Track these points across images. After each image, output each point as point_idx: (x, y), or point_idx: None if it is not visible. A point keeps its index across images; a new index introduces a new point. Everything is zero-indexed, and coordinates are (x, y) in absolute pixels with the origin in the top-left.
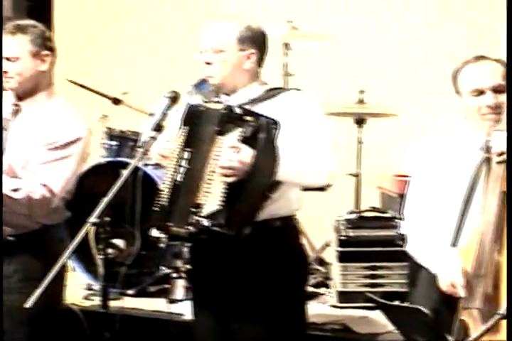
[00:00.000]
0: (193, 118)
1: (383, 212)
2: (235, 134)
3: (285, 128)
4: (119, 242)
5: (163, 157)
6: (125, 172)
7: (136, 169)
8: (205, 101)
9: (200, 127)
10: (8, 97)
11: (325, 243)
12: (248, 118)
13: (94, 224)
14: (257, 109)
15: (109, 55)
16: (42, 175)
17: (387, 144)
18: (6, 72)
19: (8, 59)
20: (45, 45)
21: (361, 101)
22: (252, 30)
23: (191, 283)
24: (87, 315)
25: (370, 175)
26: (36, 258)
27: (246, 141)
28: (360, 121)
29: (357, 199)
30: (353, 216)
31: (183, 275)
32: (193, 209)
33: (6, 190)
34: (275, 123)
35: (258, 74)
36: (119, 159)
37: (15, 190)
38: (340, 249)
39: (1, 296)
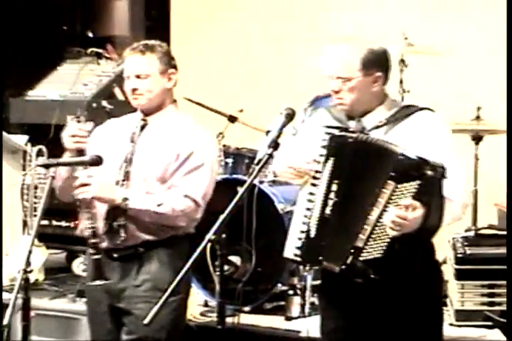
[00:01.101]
0: (341, 149)
1: (501, 230)
2: (411, 187)
3: (419, 151)
4: (235, 259)
5: (297, 176)
6: (241, 190)
7: (253, 186)
8: (343, 129)
9: (349, 159)
10: (136, 114)
11: (442, 260)
12: (429, 172)
13: (211, 241)
14: (392, 131)
15: (224, 73)
16: (183, 186)
17: (504, 161)
18: (136, 89)
19: (138, 76)
20: (170, 63)
21: (478, 118)
22: (374, 52)
23: (321, 297)
24: (203, 331)
25: (487, 192)
26: (164, 269)
27: (420, 196)
28: (477, 138)
29: (474, 216)
30: (471, 233)
31: (299, 292)
32: (352, 251)
33: (151, 206)
34: (443, 169)
35: (385, 92)
36: (235, 176)
37: (159, 205)
38: (457, 266)
39: (0, 296)
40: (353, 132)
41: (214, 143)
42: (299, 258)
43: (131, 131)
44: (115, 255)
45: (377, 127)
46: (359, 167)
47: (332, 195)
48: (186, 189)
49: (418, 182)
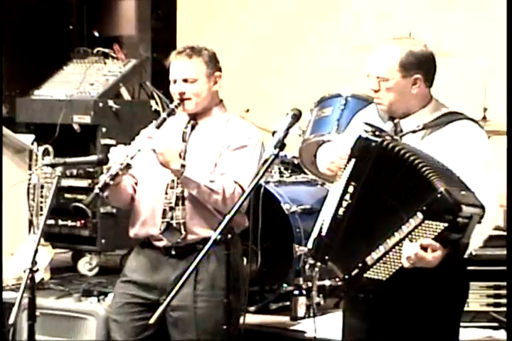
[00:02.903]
0: (363, 152)
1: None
2: (438, 227)
3: (453, 163)
4: None
5: (329, 170)
6: (247, 190)
7: (259, 186)
8: (376, 129)
9: (370, 164)
10: (182, 116)
11: None
12: (460, 219)
13: (216, 240)
14: (429, 138)
15: (230, 72)
16: (233, 173)
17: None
18: (183, 92)
19: (185, 80)
20: (216, 66)
21: (484, 119)
22: (414, 54)
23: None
24: None
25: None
26: (222, 267)
27: (444, 239)
28: None
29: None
30: None
31: (305, 292)
32: (360, 265)
33: (204, 180)
34: (482, 213)
35: (429, 94)
36: None
37: (212, 181)
38: None
39: (0, 296)
40: (381, 136)
41: (261, 137)
42: (309, 253)
43: (180, 131)
44: (173, 252)
45: (414, 131)
46: (381, 176)
47: (347, 197)
48: (236, 175)
49: (446, 225)
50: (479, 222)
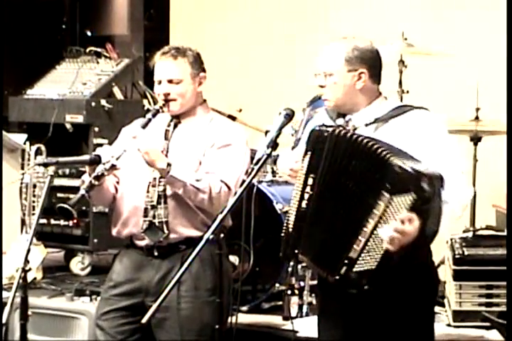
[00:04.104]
0: (318, 143)
1: (499, 231)
2: (407, 200)
3: (412, 150)
4: (233, 259)
5: (290, 176)
6: (240, 189)
7: (251, 186)
8: (327, 125)
9: (326, 154)
10: (165, 114)
11: (440, 261)
12: (425, 186)
13: (209, 240)
14: (383, 129)
15: (222, 72)
16: (219, 172)
17: (503, 162)
18: (168, 93)
19: (170, 81)
20: (201, 67)
21: (477, 119)
22: (359, 49)
23: (318, 298)
24: None
25: (485, 193)
26: (206, 268)
27: (416, 209)
28: (475, 139)
29: (472, 217)
30: (469, 234)
31: (297, 292)
32: (346, 262)
33: (189, 179)
34: (441, 181)
35: (377, 91)
36: None
37: (198, 180)
38: (455, 267)
39: (0, 296)
40: (333, 126)
41: (246, 135)
42: (281, 254)
43: (163, 129)
44: (156, 253)
45: (366, 125)
46: (338, 163)
47: (308, 189)
48: (222, 174)
49: (414, 195)
50: (442, 187)
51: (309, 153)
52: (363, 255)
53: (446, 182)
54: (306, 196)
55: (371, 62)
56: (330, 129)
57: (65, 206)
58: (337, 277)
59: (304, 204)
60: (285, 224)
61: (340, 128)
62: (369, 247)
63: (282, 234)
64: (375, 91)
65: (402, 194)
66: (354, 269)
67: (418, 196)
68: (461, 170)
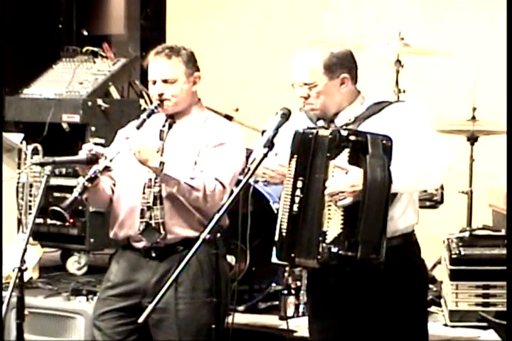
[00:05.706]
0: (303, 146)
1: (496, 230)
2: (343, 156)
3: (396, 139)
4: (229, 258)
5: (270, 177)
6: (236, 189)
7: (248, 186)
8: (311, 128)
9: (310, 155)
10: (160, 115)
11: (436, 261)
12: (353, 138)
13: (205, 240)
14: (364, 125)
15: (219, 72)
16: (213, 170)
17: (499, 162)
18: (162, 94)
19: (165, 81)
20: (195, 66)
21: (473, 118)
22: (335, 55)
23: (309, 298)
24: None
25: (482, 193)
26: (202, 268)
27: (354, 161)
28: (472, 139)
29: (469, 217)
30: (465, 234)
31: (294, 291)
32: (320, 239)
33: (183, 177)
34: (382, 137)
35: (356, 90)
36: None
37: (192, 178)
38: (452, 267)
39: (0, 296)
40: (316, 128)
41: (242, 134)
42: (276, 259)
43: (158, 130)
44: (153, 254)
45: (347, 125)
46: (319, 162)
47: (298, 192)
48: (216, 173)
49: (348, 149)
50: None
51: (295, 156)
52: (329, 224)
53: (424, 150)
54: (297, 199)
55: (349, 65)
56: (314, 131)
57: (58, 209)
58: (319, 257)
59: (295, 207)
60: (278, 228)
61: (324, 130)
62: (331, 214)
63: (276, 239)
64: (354, 91)
65: (338, 154)
66: (327, 241)
67: (350, 149)
68: (436, 142)
